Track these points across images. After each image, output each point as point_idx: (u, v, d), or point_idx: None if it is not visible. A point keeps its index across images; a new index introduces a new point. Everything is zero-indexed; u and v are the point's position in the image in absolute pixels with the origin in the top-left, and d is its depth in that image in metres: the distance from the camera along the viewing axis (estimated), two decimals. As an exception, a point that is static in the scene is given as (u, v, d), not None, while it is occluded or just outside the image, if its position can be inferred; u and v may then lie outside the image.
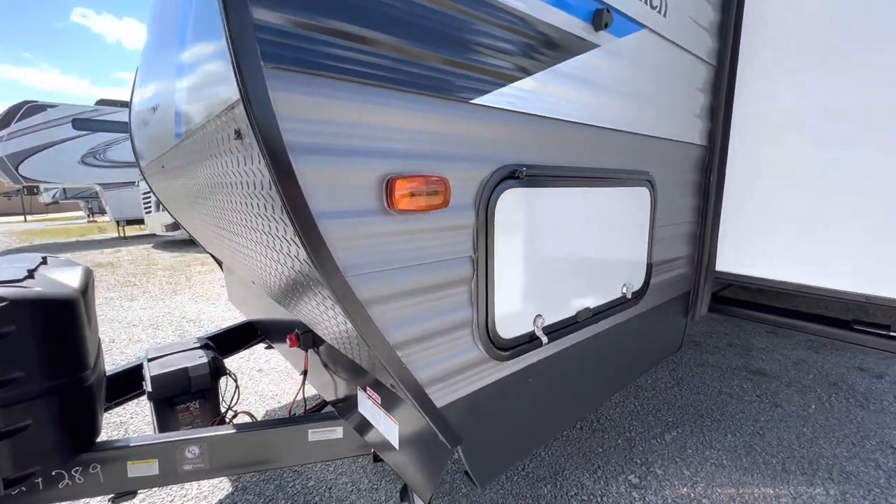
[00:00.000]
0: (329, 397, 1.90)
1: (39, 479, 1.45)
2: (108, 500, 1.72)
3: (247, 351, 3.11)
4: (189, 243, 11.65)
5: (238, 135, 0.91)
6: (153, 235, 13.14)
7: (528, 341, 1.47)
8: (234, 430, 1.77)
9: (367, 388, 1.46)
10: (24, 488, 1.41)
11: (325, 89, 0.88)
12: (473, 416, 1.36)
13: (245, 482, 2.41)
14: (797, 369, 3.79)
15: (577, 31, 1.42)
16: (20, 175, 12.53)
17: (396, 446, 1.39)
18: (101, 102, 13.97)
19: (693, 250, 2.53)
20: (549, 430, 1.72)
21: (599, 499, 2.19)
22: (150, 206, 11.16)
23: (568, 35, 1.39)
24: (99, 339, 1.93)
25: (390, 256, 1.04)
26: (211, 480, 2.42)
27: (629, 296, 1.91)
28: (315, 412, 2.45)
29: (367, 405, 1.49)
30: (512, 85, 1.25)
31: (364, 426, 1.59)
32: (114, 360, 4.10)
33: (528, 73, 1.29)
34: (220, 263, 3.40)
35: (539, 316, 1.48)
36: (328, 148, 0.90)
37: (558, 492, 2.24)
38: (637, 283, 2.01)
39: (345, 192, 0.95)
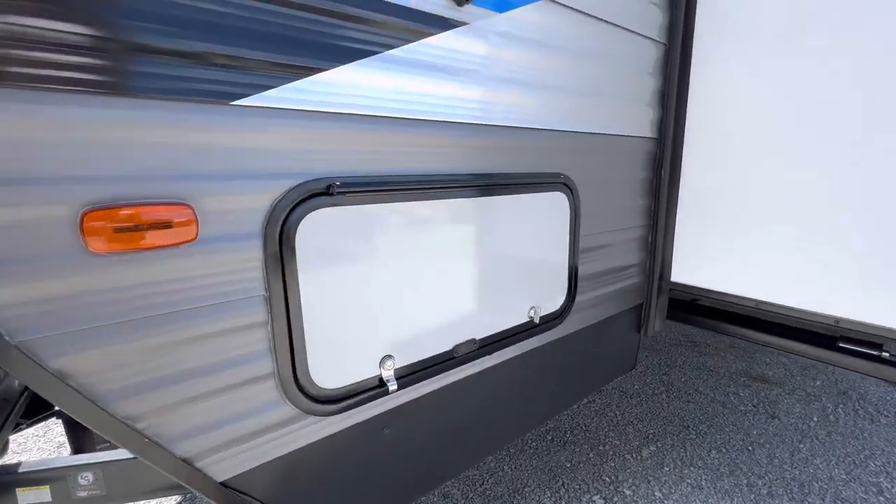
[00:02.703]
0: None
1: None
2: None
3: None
4: None
5: None
6: None
7: (373, 388, 1.22)
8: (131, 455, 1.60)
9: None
10: None
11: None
12: (293, 484, 1.13)
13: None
14: (804, 375, 3.39)
15: (421, 4, 1.13)
16: None
17: None
18: None
19: (644, 258, 2.20)
20: (417, 488, 1.47)
21: (556, 523, 1.96)
22: None
23: (407, 10, 1.10)
24: None
25: (102, 310, 0.81)
26: None
27: (537, 320, 1.62)
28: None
29: None
30: (311, 79, 0.98)
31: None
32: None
33: (340, 60, 1.02)
34: None
35: (388, 357, 1.23)
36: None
37: (514, 513, 2.02)
38: (553, 304, 1.72)
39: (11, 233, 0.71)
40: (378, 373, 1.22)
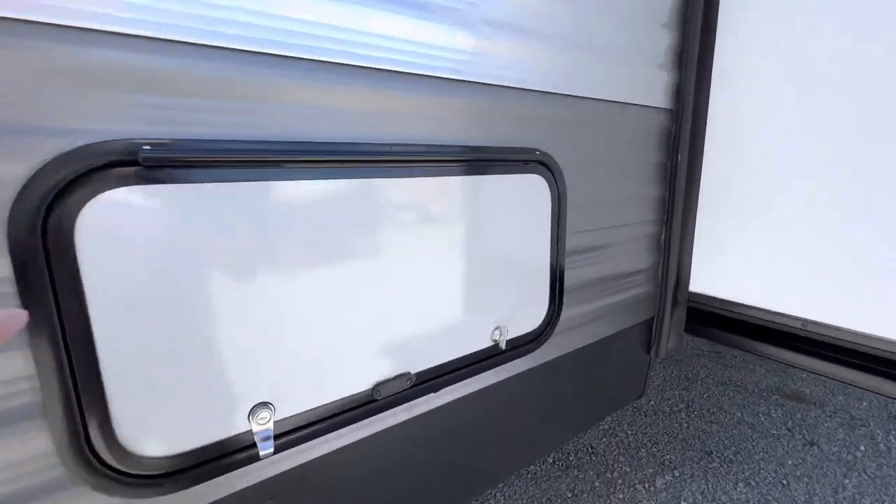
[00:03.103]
0: None
1: None
2: None
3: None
4: None
5: None
6: None
7: (237, 450, 0.84)
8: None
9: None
10: None
11: None
12: None
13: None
14: (846, 394, 2.93)
15: None
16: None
17: None
18: None
19: (655, 262, 1.76)
20: None
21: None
22: None
23: None
24: None
25: None
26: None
27: (503, 345, 1.22)
28: None
29: None
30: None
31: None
32: None
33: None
34: None
35: (263, 406, 0.85)
36: None
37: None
38: (528, 322, 1.31)
39: None
40: (247, 427, 0.84)
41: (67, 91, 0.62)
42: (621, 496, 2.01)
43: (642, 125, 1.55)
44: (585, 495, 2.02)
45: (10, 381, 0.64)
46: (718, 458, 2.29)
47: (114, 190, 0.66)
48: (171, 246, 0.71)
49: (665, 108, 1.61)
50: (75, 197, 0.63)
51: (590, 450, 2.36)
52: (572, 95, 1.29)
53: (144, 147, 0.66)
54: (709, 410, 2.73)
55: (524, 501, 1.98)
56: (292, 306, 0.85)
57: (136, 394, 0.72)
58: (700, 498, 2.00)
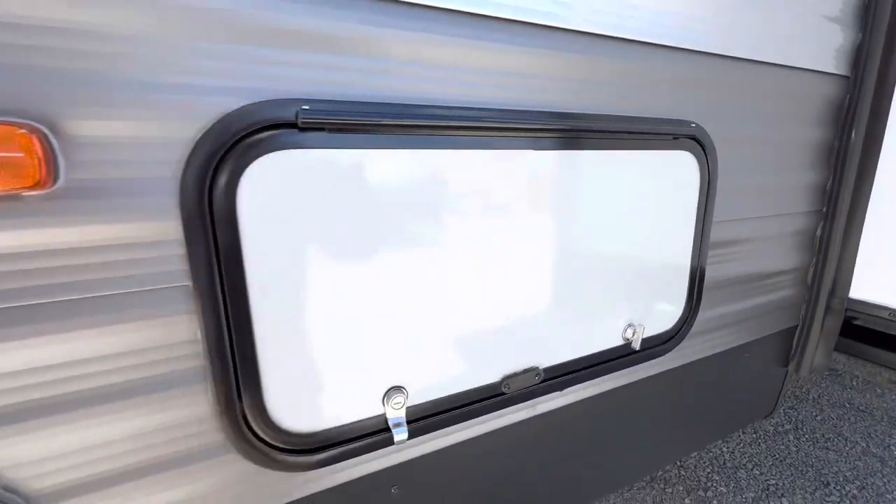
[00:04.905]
0: None
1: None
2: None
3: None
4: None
5: None
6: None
7: (374, 433, 0.80)
8: None
9: None
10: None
11: None
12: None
13: None
14: None
15: None
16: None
17: None
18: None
19: (805, 261, 1.49)
20: None
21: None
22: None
23: None
24: None
25: None
26: None
27: (636, 344, 1.07)
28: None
29: None
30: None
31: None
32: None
33: None
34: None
35: (397, 390, 0.80)
36: None
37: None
38: (663, 322, 1.15)
39: None
40: (381, 411, 0.80)
41: (227, 47, 0.59)
42: (716, 518, 1.78)
43: (805, 94, 1.29)
44: (674, 513, 1.81)
45: (178, 343, 0.64)
46: (838, 491, 1.96)
47: (274, 152, 0.62)
48: (328, 213, 0.67)
49: (836, 74, 1.32)
50: (239, 159, 0.61)
51: (678, 463, 2.11)
52: (730, 57, 1.09)
53: (303, 108, 0.62)
54: (823, 435, 2.36)
55: (606, 511, 1.83)
56: (433, 287, 0.79)
57: (285, 367, 0.70)
58: (816, 534, 1.71)
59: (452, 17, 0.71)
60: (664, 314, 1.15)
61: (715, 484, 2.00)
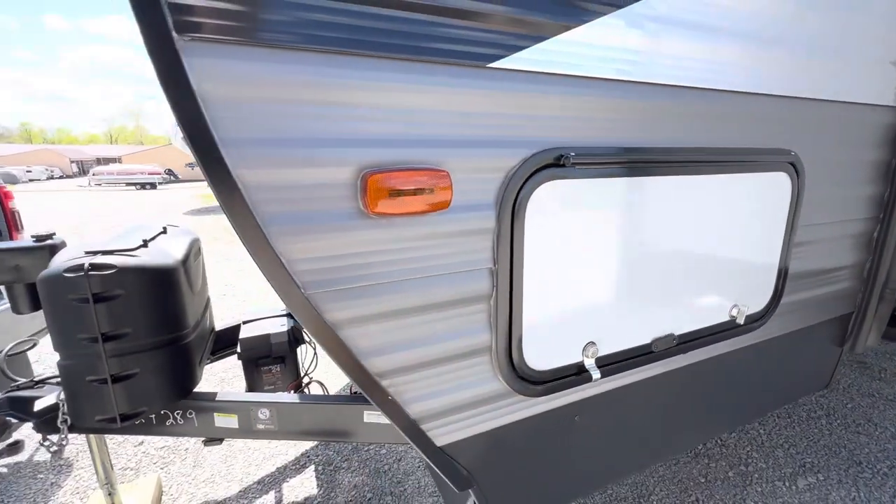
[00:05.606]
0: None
1: (152, 417, 1.65)
2: (202, 442, 1.93)
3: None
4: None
5: None
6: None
7: (575, 374, 1.15)
8: (297, 400, 1.81)
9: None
10: (143, 420, 1.62)
11: (264, 62, 0.69)
12: (493, 459, 1.12)
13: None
14: None
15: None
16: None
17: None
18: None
19: (863, 258, 1.80)
20: (599, 480, 1.39)
21: (689, 543, 1.77)
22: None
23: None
24: (208, 298, 2.08)
25: (369, 271, 0.84)
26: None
27: (741, 320, 1.41)
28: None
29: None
30: (558, 38, 0.91)
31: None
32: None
33: (586, 17, 0.93)
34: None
35: (591, 344, 1.15)
36: (273, 138, 0.72)
37: (641, 520, 1.87)
38: (758, 304, 1.48)
39: (301, 193, 0.76)
40: (580, 359, 1.15)
41: (539, 115, 0.94)
42: (759, 489, 2.02)
43: (869, 122, 1.60)
44: (720, 483, 2.05)
45: (477, 299, 0.98)
46: (870, 469, 2.16)
47: (550, 182, 0.97)
48: (582, 220, 1.02)
49: (892, 106, 1.63)
50: (530, 183, 0.95)
51: (719, 441, 2.35)
52: (817, 99, 1.41)
53: (570, 153, 0.96)
54: (855, 421, 2.57)
55: (655, 479, 2.08)
56: (619, 273, 1.13)
57: (535, 327, 1.05)
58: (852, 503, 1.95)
59: (674, 91, 1.05)
60: (758, 298, 1.48)
61: (754, 461, 2.22)
